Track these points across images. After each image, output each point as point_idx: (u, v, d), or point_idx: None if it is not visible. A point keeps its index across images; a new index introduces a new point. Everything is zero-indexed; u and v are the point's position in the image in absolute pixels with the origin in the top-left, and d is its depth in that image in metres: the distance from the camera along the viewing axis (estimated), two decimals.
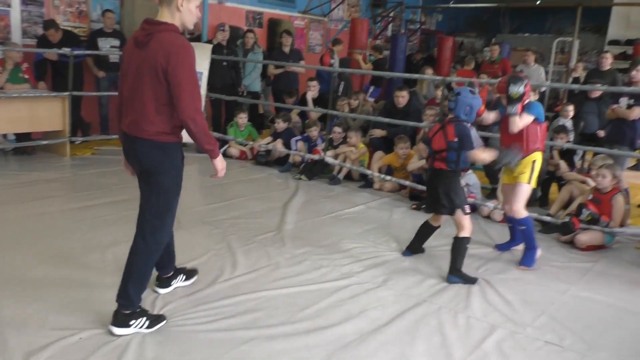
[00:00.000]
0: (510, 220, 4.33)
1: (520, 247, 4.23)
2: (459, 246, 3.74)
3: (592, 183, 4.92)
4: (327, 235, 4.45)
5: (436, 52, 12.84)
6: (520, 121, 3.89)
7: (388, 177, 6.02)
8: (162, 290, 3.22)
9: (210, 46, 7.38)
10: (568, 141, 5.95)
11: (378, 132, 6.72)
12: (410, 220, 5.11)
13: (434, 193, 3.83)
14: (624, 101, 5.56)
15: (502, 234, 4.83)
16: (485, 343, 2.92)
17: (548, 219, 4.89)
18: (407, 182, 5.81)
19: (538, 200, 5.92)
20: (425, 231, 4.14)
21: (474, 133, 3.68)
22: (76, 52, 6.67)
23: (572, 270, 4.10)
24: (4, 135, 6.61)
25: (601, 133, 6.42)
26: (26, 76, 6.49)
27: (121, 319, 2.75)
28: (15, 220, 4.34)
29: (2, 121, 6.07)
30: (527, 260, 4.06)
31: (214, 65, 7.33)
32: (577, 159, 6.11)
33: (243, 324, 2.95)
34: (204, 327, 2.90)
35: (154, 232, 2.78)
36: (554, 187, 5.90)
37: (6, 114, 6.06)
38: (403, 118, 6.32)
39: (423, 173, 5.85)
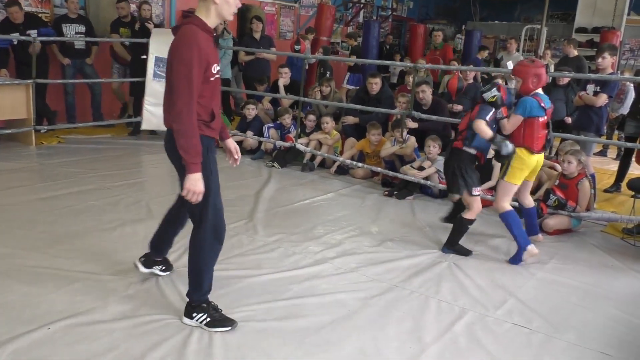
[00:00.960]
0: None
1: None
2: (460, 224, 4.03)
3: (559, 168, 5.01)
4: (299, 223, 4.45)
5: (408, 40, 12.90)
6: (509, 124, 3.89)
7: (360, 164, 6.04)
8: (142, 269, 3.21)
9: None
10: None
11: (350, 119, 6.73)
12: (382, 206, 5.14)
13: (449, 173, 4.02)
14: (590, 88, 5.67)
15: (480, 221, 4.89)
16: (456, 326, 2.97)
17: (516, 204, 4.97)
18: (379, 169, 5.83)
19: None
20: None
21: (491, 114, 3.82)
22: (39, 38, 6.48)
23: (539, 253, 4.17)
24: None
25: (569, 120, 6.55)
26: None
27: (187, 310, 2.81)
28: None
29: None
30: (512, 258, 3.97)
31: None
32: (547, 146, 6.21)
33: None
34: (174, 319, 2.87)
35: (200, 222, 2.68)
36: None
37: None
38: (375, 105, 6.33)
39: (395, 159, 5.89)
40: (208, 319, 2.75)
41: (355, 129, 6.64)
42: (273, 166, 6.33)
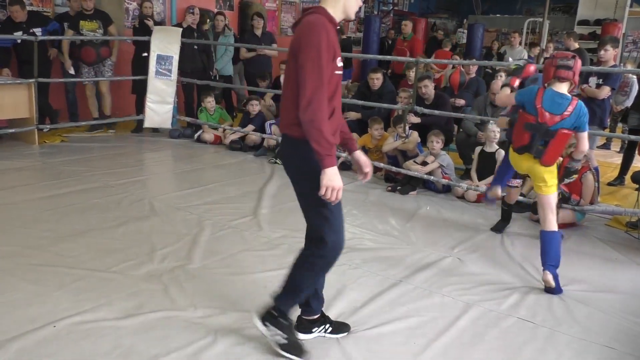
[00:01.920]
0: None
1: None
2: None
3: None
4: (303, 219, 4.43)
5: None
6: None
7: None
8: (301, 335, 2.65)
9: (179, 30, 7.24)
10: None
11: (352, 115, 6.71)
12: (386, 202, 5.13)
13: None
14: (593, 81, 5.64)
15: (476, 214, 4.90)
16: (460, 321, 2.97)
17: (521, 197, 4.96)
18: (382, 164, 5.83)
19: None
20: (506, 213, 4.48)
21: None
22: (42, 37, 6.48)
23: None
24: None
25: None
26: None
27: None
28: None
29: None
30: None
31: (184, 49, 7.21)
32: None
33: (218, 308, 2.93)
34: (176, 313, 2.88)
35: (320, 241, 2.42)
36: None
37: None
38: (377, 100, 6.31)
39: (398, 155, 5.88)
40: (283, 341, 2.49)
41: (357, 124, 6.63)
42: (276, 162, 6.32)
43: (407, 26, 9.43)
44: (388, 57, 7.67)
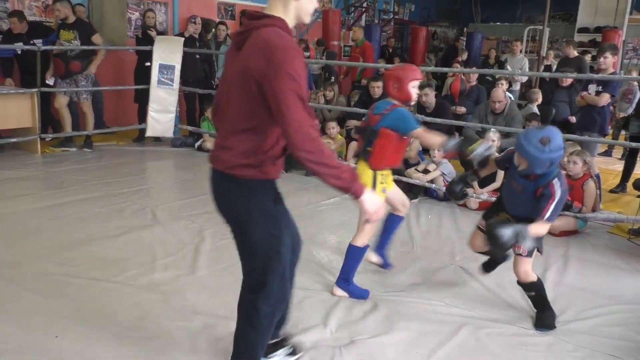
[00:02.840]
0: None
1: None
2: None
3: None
4: (304, 227, 4.40)
5: (410, 42, 12.92)
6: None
7: None
8: None
9: (182, 39, 7.28)
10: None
11: (354, 123, 6.73)
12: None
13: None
14: (592, 88, 5.65)
15: (477, 221, 4.89)
16: (462, 330, 2.96)
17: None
18: None
19: None
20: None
21: None
22: (44, 47, 6.51)
23: (546, 255, 4.16)
24: None
25: (573, 119, 6.54)
26: None
27: None
28: None
29: None
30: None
31: (186, 58, 7.24)
32: None
33: (221, 317, 2.93)
34: (180, 324, 2.87)
35: (259, 295, 2.12)
36: None
37: None
38: None
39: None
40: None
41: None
42: None
43: (357, 32, 9.38)
44: (389, 66, 7.67)
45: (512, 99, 7.04)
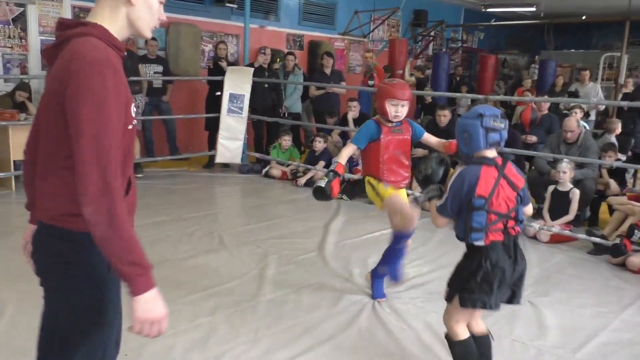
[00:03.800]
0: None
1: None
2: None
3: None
4: (368, 256, 4.42)
5: (478, 70, 12.75)
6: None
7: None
8: None
9: (251, 69, 7.53)
10: (617, 159, 5.77)
11: (420, 152, 6.67)
12: (453, 240, 5.00)
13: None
14: None
15: (548, 255, 4.70)
16: None
17: (599, 240, 4.72)
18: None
19: (587, 220, 5.75)
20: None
21: None
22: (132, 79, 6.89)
23: (623, 293, 3.93)
24: None
25: None
26: None
27: None
28: None
29: None
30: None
31: (255, 87, 7.47)
32: (629, 177, 5.91)
33: (282, 342, 2.94)
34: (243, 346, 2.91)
35: None
36: (603, 206, 5.71)
37: None
38: (445, 137, 6.24)
39: None
40: None
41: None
42: (342, 198, 6.35)
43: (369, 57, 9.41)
44: (457, 95, 7.62)
45: (587, 128, 6.77)
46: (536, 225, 5.08)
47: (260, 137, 8.03)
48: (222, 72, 7.42)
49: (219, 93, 7.42)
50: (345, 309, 3.43)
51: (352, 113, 7.49)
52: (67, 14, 7.22)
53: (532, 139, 6.80)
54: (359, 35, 11.38)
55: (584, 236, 4.81)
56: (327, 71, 8.36)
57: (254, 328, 3.12)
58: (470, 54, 15.07)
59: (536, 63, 13.99)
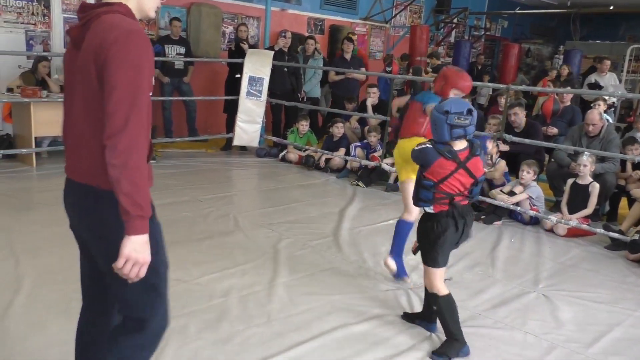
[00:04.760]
0: None
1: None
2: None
3: None
4: (382, 243, 4.42)
5: (501, 59, 12.57)
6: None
7: None
8: None
9: (271, 52, 7.50)
10: None
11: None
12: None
13: None
14: None
15: (565, 248, 4.66)
16: None
17: (616, 235, 4.66)
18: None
19: (606, 215, 5.67)
20: None
21: None
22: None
23: None
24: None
25: None
26: None
27: None
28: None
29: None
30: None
31: (274, 71, 7.45)
32: None
33: (293, 325, 2.97)
34: (255, 329, 2.94)
35: (145, 321, 1.84)
36: (623, 201, 5.63)
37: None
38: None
39: (483, 183, 5.71)
40: None
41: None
42: (358, 185, 6.35)
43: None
44: (477, 84, 7.50)
45: (610, 121, 6.65)
46: (554, 218, 5.03)
47: (278, 121, 8.02)
48: (243, 55, 7.41)
49: (238, 75, 7.42)
50: (359, 295, 3.44)
51: (372, 99, 7.45)
52: None
53: (553, 130, 6.70)
54: (380, 21, 11.27)
55: (601, 231, 4.76)
56: (347, 56, 8.31)
57: (266, 311, 3.14)
58: (493, 42, 14.85)
59: (560, 53, 13.74)
